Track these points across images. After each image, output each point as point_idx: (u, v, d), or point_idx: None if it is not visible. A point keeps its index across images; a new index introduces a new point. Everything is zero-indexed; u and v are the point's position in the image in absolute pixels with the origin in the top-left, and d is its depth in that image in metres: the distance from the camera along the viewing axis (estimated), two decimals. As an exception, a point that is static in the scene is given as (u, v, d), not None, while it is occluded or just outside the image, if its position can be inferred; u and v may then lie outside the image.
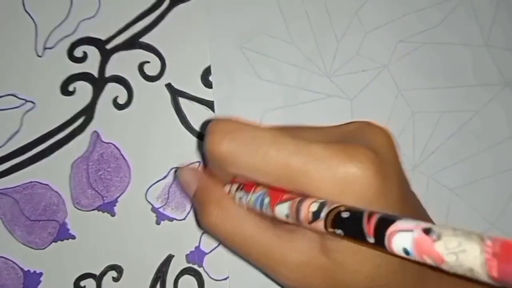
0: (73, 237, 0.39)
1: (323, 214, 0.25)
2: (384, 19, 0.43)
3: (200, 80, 0.41)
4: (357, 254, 0.26)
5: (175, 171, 0.40)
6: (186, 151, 0.40)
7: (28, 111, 0.39)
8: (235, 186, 0.31)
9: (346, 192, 0.25)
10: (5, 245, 0.38)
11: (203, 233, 0.40)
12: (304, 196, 0.26)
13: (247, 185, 0.30)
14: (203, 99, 0.41)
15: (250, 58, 0.41)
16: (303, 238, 0.28)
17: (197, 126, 0.40)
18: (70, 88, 0.40)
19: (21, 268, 0.38)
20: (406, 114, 0.42)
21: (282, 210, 0.27)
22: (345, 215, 0.24)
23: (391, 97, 0.42)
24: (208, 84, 0.41)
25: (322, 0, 0.42)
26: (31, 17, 0.40)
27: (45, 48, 0.40)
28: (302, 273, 0.28)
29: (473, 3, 0.43)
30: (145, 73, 0.40)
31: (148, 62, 0.40)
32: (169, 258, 0.39)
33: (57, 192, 0.39)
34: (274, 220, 0.29)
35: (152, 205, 0.40)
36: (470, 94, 0.43)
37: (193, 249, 0.39)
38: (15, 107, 0.39)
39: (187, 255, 0.39)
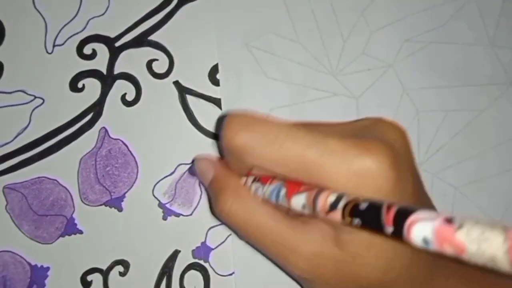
0: (81, 232, 0.39)
1: (341, 205, 0.25)
2: (389, 19, 0.43)
3: (207, 78, 0.41)
4: (370, 247, 0.27)
5: (192, 161, 0.40)
6: (193, 147, 0.40)
7: (37, 107, 0.40)
8: (251, 179, 0.31)
9: (362, 184, 0.26)
10: (13, 240, 0.39)
11: (209, 229, 0.40)
12: (321, 188, 0.26)
13: (263, 178, 0.30)
14: (211, 96, 0.41)
15: (257, 56, 0.41)
16: (317, 229, 0.28)
17: (204, 123, 0.41)
18: (79, 85, 0.40)
19: (28, 263, 0.39)
20: (411, 113, 0.42)
21: (299, 200, 0.27)
22: (363, 205, 0.24)
23: (397, 96, 0.42)
24: (215, 82, 0.41)
25: (329, 0, 0.43)
26: (41, 15, 0.40)
27: (54, 45, 0.40)
28: (314, 264, 0.28)
29: (478, 2, 0.43)
30: (153, 70, 0.41)
31: (157, 59, 0.41)
32: (176, 253, 0.40)
33: (65, 187, 0.39)
34: (289, 212, 0.29)
35: (159, 200, 0.40)
36: (475, 93, 0.43)
37: (199, 244, 0.40)
38: (24, 103, 0.40)
39: (193, 251, 0.40)
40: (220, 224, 0.40)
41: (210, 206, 0.40)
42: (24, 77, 0.40)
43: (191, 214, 0.40)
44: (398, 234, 0.22)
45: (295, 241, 0.28)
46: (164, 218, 0.40)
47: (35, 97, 0.40)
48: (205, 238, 0.40)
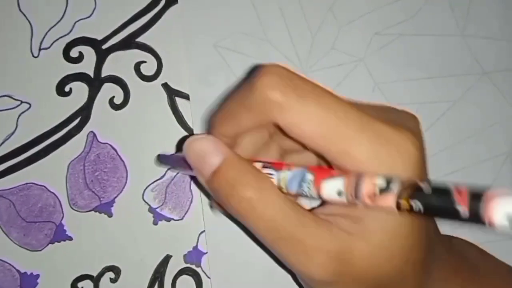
0: (70, 239, 0.38)
1: (394, 187, 0.22)
2: (358, 12, 0.43)
3: (196, 80, 0.41)
4: (395, 237, 0.25)
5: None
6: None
7: (24, 112, 0.39)
8: (259, 164, 0.27)
9: (402, 165, 0.24)
10: (1, 247, 0.38)
11: (201, 233, 0.39)
12: (359, 173, 0.24)
13: (276, 163, 0.26)
14: (199, 98, 0.41)
15: (225, 56, 0.42)
16: (338, 225, 0.25)
17: (194, 126, 0.41)
18: (66, 89, 0.40)
19: (17, 270, 0.38)
20: (383, 106, 0.43)
21: (333, 186, 0.24)
22: (426, 188, 0.22)
23: (368, 90, 0.43)
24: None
25: (296, -4, 0.43)
26: (26, 18, 0.40)
27: (40, 49, 0.40)
28: (341, 262, 0.25)
29: (448, -8, 0.45)
30: (141, 73, 0.41)
31: (145, 62, 0.41)
32: (167, 258, 0.39)
33: (53, 193, 0.39)
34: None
35: (149, 205, 0.39)
36: (448, 84, 0.43)
37: (190, 249, 0.39)
38: (11, 108, 0.39)
39: (184, 255, 0.39)
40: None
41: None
42: (10, 81, 0.39)
43: (182, 219, 0.40)
44: (475, 216, 0.20)
45: (320, 240, 0.25)
46: (155, 223, 0.39)
47: (22, 102, 0.39)
48: (197, 243, 0.39)
